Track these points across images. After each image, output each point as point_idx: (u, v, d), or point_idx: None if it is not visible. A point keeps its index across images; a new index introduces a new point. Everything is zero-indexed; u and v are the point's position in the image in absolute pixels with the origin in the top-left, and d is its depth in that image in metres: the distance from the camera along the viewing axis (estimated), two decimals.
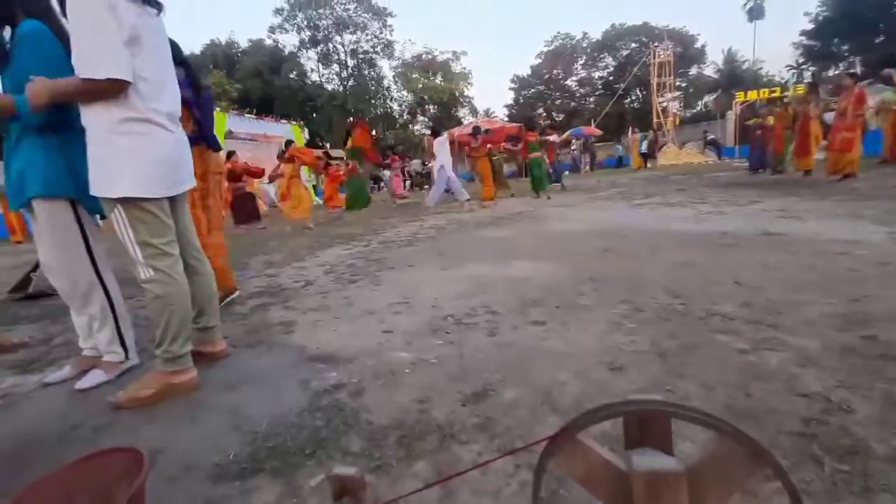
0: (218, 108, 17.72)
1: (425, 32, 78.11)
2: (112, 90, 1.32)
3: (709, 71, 39.94)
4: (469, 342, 1.77)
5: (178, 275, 1.53)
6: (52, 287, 3.76)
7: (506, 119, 44.45)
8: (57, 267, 1.70)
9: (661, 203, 5.81)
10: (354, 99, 34.23)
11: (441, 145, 8.16)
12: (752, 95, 23.01)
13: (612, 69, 40.04)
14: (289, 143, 8.78)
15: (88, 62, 1.28)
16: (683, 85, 37.83)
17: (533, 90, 41.61)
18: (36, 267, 3.83)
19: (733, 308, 1.87)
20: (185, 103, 3.13)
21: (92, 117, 1.39)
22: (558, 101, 41.83)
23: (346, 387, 1.49)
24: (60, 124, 1.58)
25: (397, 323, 2.09)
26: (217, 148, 3.54)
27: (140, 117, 1.40)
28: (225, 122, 15.67)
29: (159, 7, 1.47)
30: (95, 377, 1.71)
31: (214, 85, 30.17)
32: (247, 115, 17.88)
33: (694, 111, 39.20)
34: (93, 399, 1.60)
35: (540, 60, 41.25)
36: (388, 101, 36.94)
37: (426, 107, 35.53)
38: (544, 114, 41.83)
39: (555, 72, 40.62)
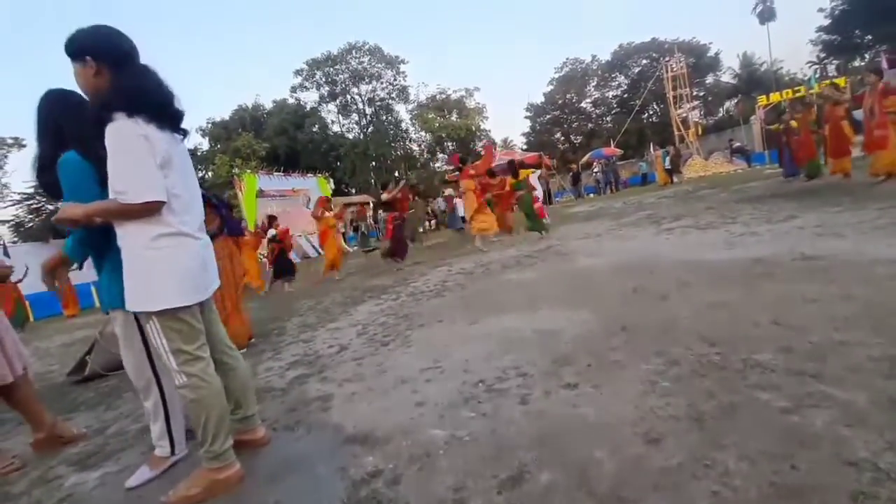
0: (248, 171, 18.87)
1: (437, 72, 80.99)
2: (148, 211, 1.45)
3: (726, 77, 39.45)
4: (501, 413, 1.78)
5: (211, 377, 1.62)
6: (105, 369, 4.02)
7: (524, 147, 44.98)
8: (127, 363, 1.89)
9: (692, 225, 5.67)
10: (375, 144, 35.55)
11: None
12: (776, 97, 22.47)
13: (625, 87, 40.17)
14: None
15: (127, 188, 1.41)
16: (701, 94, 37.39)
17: (549, 116, 42.09)
18: (90, 350, 4.10)
19: (772, 355, 1.80)
20: (214, 206, 3.42)
21: (127, 235, 1.52)
22: (575, 124, 42.06)
23: (383, 474, 1.51)
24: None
25: (429, 393, 2.11)
26: (240, 234, 3.86)
27: (173, 231, 1.52)
28: (255, 182, 16.54)
29: (185, 133, 1.65)
30: (143, 474, 1.81)
31: (243, 146, 32.11)
32: (275, 173, 18.82)
33: (716, 118, 38.50)
34: (147, 498, 1.69)
35: (552, 87, 41.88)
36: (407, 142, 38.20)
37: (445, 144, 36.41)
38: (562, 138, 42.10)
39: (568, 96, 41.07)
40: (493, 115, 67.20)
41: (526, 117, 43.61)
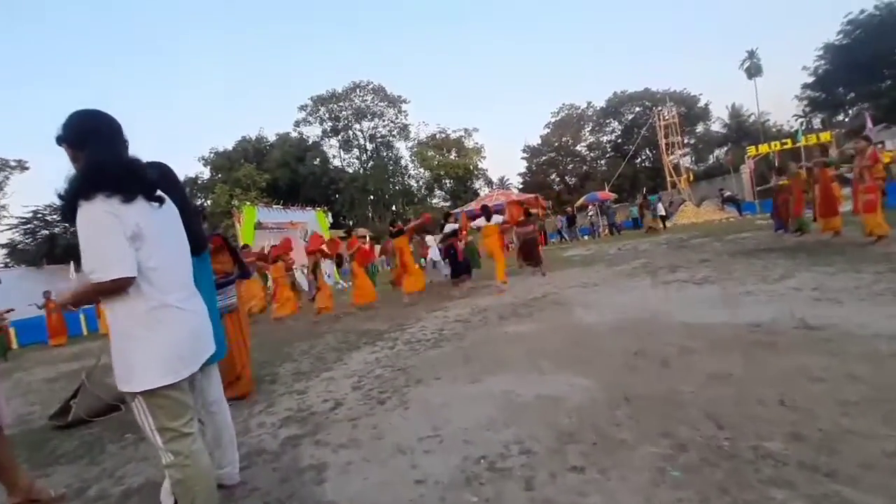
0: (247, 203, 18.98)
1: (438, 111, 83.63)
2: (120, 287, 1.42)
3: (716, 126, 40.98)
4: (505, 498, 1.71)
5: (198, 454, 1.57)
6: (89, 414, 3.87)
7: (520, 187, 45.79)
8: None
9: (688, 279, 5.71)
10: (374, 179, 36.13)
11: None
12: (764, 149, 23.29)
13: (619, 132, 41.55)
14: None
15: (95, 267, 1.39)
16: (692, 142, 38.68)
17: (545, 157, 43.20)
18: (75, 394, 3.96)
19: (783, 444, 1.76)
20: (231, 249, 3.41)
21: (112, 313, 1.48)
22: (570, 166, 43.14)
23: None
24: None
25: (429, 468, 2.03)
26: (249, 276, 3.84)
27: (155, 305, 1.48)
28: (255, 214, 16.63)
29: (161, 200, 1.58)
30: None
31: (244, 177, 32.51)
32: (274, 206, 18.97)
33: (707, 164, 39.66)
34: None
35: (548, 130, 43.21)
36: (406, 178, 38.86)
37: (443, 181, 37.07)
38: (558, 179, 43.00)
39: (564, 139, 42.31)
40: (491, 155, 68.90)
41: (523, 158, 44.75)
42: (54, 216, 18.28)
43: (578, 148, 42.91)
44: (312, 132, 39.73)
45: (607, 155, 42.22)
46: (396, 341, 4.93)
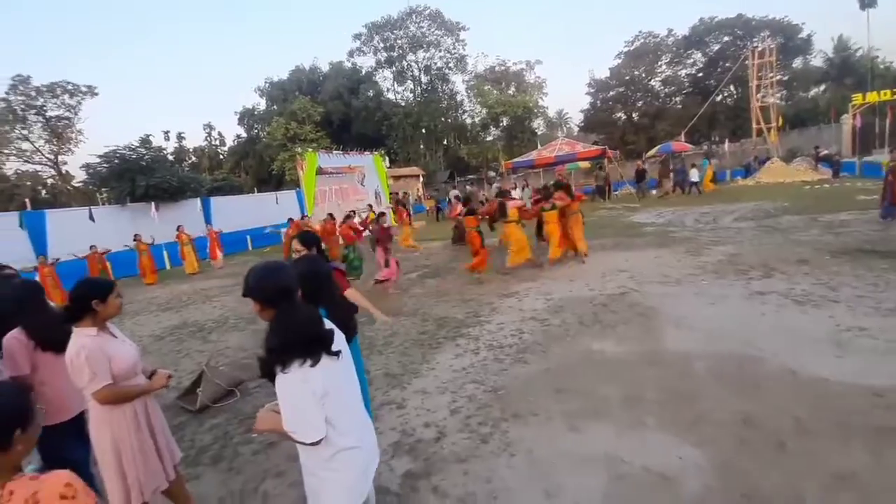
0: (310, 149, 19.22)
1: (498, 42, 76.96)
2: (315, 443, 1.61)
3: (816, 61, 35.60)
4: None
5: None
6: (213, 401, 4.37)
7: (580, 125, 43.07)
8: None
9: (786, 293, 5.37)
10: (428, 115, 35.07)
11: None
12: (872, 97, 20.24)
13: (701, 65, 37.16)
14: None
15: (295, 430, 1.58)
16: (786, 78, 34.05)
17: (612, 93, 39.79)
18: (198, 382, 4.46)
19: None
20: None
21: (304, 454, 1.72)
22: (640, 103, 39.62)
23: None
24: None
25: None
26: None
27: (337, 450, 1.67)
28: (316, 161, 16.89)
29: (338, 354, 1.72)
30: None
31: (300, 110, 32.48)
32: (334, 152, 19.18)
33: (800, 106, 35.13)
34: None
35: (619, 61, 39.34)
36: (460, 114, 37.41)
37: (500, 120, 35.38)
38: (624, 117, 39.90)
39: (636, 72, 38.49)
40: (553, 91, 64.25)
41: (587, 93, 41.47)
42: (132, 156, 19.34)
43: (652, 83, 39.01)
44: (366, 63, 38.49)
45: (684, 91, 38.25)
46: (478, 343, 5.08)
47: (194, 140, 54.80)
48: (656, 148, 22.18)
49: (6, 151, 29.93)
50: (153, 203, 17.33)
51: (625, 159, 28.11)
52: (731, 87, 35.17)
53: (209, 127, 42.84)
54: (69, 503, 1.03)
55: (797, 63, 35.50)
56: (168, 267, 15.83)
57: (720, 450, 2.83)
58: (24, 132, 30.18)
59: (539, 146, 20.33)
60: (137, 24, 70.83)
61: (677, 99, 38.63)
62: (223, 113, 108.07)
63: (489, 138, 36.97)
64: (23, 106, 29.35)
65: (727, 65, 32.69)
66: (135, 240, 13.19)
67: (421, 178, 30.71)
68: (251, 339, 6.27)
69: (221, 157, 42.93)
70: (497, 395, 3.85)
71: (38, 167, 32.52)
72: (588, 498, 2.55)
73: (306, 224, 12.75)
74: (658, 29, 38.79)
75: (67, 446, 2.53)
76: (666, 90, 39.26)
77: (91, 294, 2.06)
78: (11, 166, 31.31)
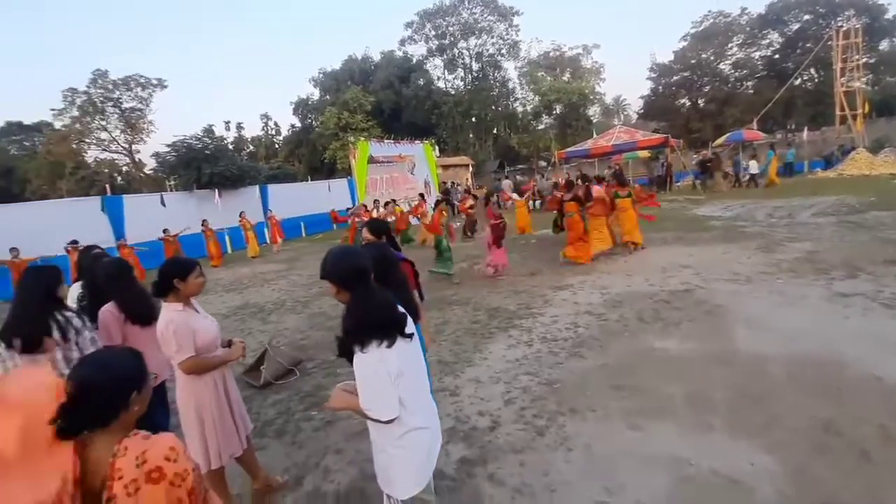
0: (362, 138, 19.57)
1: (553, 27, 74.16)
2: (389, 421, 1.67)
3: None
4: None
5: None
6: (275, 378, 4.60)
7: (640, 112, 41.06)
8: None
9: (873, 296, 4.87)
10: (478, 103, 34.71)
11: None
12: None
13: (777, 46, 34.15)
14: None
15: (371, 407, 1.65)
16: (873, 62, 30.58)
17: (676, 77, 37.49)
18: (261, 360, 4.70)
19: None
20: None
21: (375, 431, 1.78)
22: (707, 88, 37.06)
23: None
24: None
25: None
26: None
27: (409, 429, 1.73)
28: (368, 149, 17.22)
29: (411, 336, 1.76)
30: None
31: (352, 99, 33.05)
32: (385, 141, 19.42)
33: (887, 92, 31.49)
34: None
35: (685, 43, 36.93)
36: (511, 102, 36.70)
37: (553, 107, 34.35)
38: (688, 103, 37.58)
39: (703, 55, 35.97)
40: (610, 76, 61.45)
41: (648, 78, 39.34)
42: (198, 145, 20.62)
43: (721, 66, 36.31)
44: (417, 51, 38.57)
45: (757, 75, 35.34)
46: (531, 335, 5.00)
47: (252, 130, 57.49)
48: (725, 136, 20.64)
49: (87, 140, 32.74)
50: (216, 190, 18.39)
51: (688, 148, 26.48)
52: (812, 70, 32.09)
53: (266, 117, 44.76)
54: (172, 465, 1.11)
55: (884, 45, 31.76)
56: (230, 251, 16.81)
57: (795, 456, 2.63)
58: (103, 123, 32.84)
59: (595, 135, 19.48)
60: (201, 23, 75.00)
61: (749, 83, 35.81)
62: (280, 104, 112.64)
63: (541, 127, 36.02)
64: (101, 98, 31.88)
65: (807, 45, 29.79)
66: (203, 225, 14.08)
67: (470, 168, 30.52)
68: (307, 322, 6.53)
69: (276, 146, 44.79)
70: (552, 388, 3.78)
71: (115, 155, 35.40)
72: (651, 498, 2.45)
73: (391, 213, 12.64)
74: (730, 7, 36.03)
75: (152, 412, 2.75)
76: (736, 74, 36.45)
77: (173, 273, 2.21)
78: (92, 154, 34.26)
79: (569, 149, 19.23)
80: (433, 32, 36.86)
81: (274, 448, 3.44)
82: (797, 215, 10.39)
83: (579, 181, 10.44)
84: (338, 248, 1.78)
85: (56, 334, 2.48)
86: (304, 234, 20.11)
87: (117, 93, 32.50)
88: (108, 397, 1.12)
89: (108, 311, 2.62)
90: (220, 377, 2.35)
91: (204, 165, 19.61)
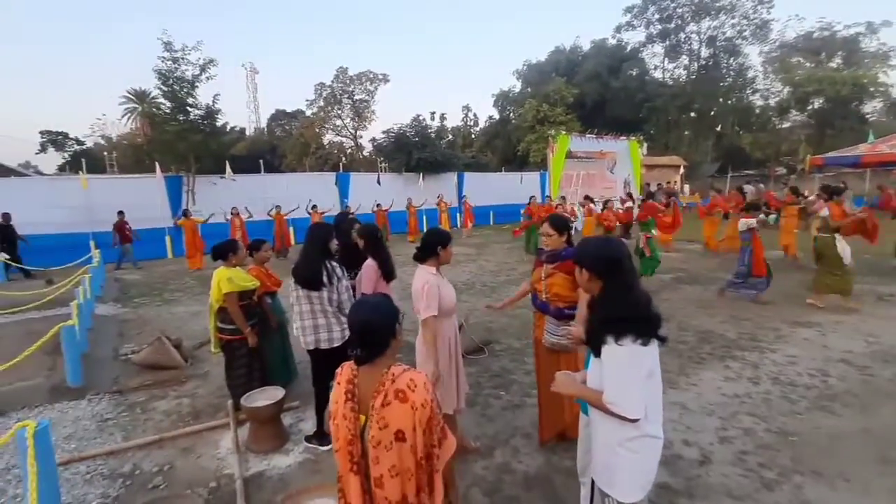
0: (563, 131, 19.13)
1: (821, 1, 57.35)
2: (631, 420, 1.59)
3: None
4: None
5: None
6: (466, 353, 4.90)
7: None
8: None
9: None
10: (702, 95, 30.16)
11: None
12: None
13: None
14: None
15: (617, 401, 1.58)
16: None
17: None
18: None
19: None
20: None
21: (605, 426, 1.70)
22: None
23: None
24: None
25: None
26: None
27: (643, 434, 1.63)
28: (567, 143, 16.85)
29: (664, 340, 1.64)
30: None
31: (553, 92, 32.35)
32: (587, 135, 18.63)
33: None
34: None
35: None
36: (747, 94, 30.72)
37: (809, 101, 27.38)
38: None
39: None
40: None
41: None
42: (410, 132, 23.38)
43: None
44: (634, 38, 35.51)
45: None
46: (758, 371, 4.21)
47: (453, 120, 62.38)
48: None
49: (327, 126, 40.29)
50: (420, 174, 20.67)
51: None
52: None
53: (466, 108, 47.86)
54: (411, 393, 1.36)
55: None
56: (425, 228, 18.77)
57: None
58: (339, 111, 39.88)
59: (872, 138, 14.86)
60: (417, 24, 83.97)
61: None
62: (482, 96, 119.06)
63: (786, 125, 29.21)
64: (340, 91, 38.70)
65: None
66: (408, 204, 16.02)
67: (681, 169, 26.97)
68: None
69: (473, 136, 47.56)
70: (787, 440, 3.12)
71: (343, 139, 42.79)
72: None
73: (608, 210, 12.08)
74: None
75: None
76: None
77: (437, 241, 2.57)
78: (328, 138, 42.03)
79: (829, 154, 14.81)
80: (657, 16, 33.34)
81: (466, 415, 3.71)
82: None
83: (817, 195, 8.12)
84: (595, 237, 1.79)
85: (325, 279, 3.14)
86: (492, 223, 21.09)
87: (352, 86, 39.08)
88: (384, 330, 1.42)
89: (371, 265, 3.21)
90: (453, 339, 2.65)
91: (414, 151, 22.27)
